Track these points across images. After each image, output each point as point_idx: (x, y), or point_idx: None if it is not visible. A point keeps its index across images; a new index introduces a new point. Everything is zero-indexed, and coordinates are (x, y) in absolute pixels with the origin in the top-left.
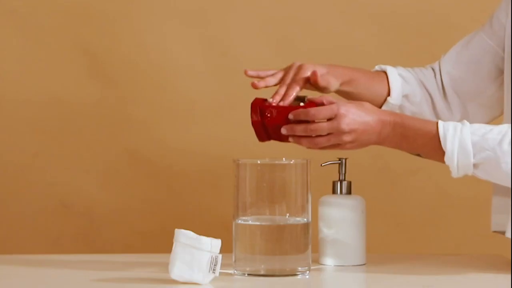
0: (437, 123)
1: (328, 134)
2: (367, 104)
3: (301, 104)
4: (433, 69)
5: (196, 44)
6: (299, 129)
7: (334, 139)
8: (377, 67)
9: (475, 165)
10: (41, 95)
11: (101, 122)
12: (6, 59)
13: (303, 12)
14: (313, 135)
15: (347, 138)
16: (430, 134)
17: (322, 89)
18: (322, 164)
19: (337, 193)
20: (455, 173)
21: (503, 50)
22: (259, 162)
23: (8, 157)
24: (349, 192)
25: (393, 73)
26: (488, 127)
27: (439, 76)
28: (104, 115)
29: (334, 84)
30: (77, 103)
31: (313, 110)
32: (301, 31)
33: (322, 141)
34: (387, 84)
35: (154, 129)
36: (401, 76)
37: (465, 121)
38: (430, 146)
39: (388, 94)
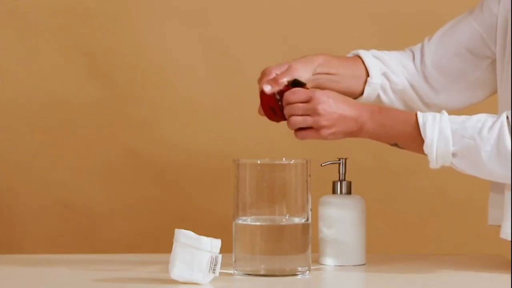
0: (416, 113)
1: (305, 115)
2: (347, 97)
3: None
4: (412, 52)
5: (196, 44)
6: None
7: (311, 120)
8: (349, 54)
9: (454, 154)
10: (41, 95)
11: (101, 122)
12: (6, 59)
13: (303, 12)
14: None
15: (324, 122)
16: (409, 122)
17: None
18: (322, 164)
19: (337, 193)
20: (433, 163)
21: (490, 37)
22: (259, 162)
23: (8, 157)
24: (349, 192)
25: (367, 55)
26: (466, 116)
27: (419, 57)
28: (104, 115)
29: (303, 75)
30: (77, 103)
31: (288, 93)
32: (301, 31)
33: (298, 120)
34: (363, 66)
35: (154, 129)
36: (376, 56)
37: (444, 111)
38: (408, 135)
39: (367, 76)
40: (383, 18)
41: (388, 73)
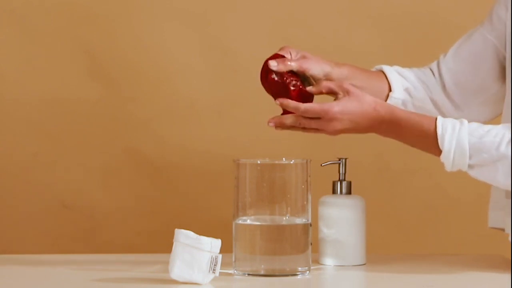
0: (435, 119)
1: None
2: (367, 100)
3: (307, 87)
4: (431, 70)
5: (196, 44)
6: (289, 120)
7: (321, 132)
8: (373, 68)
9: (470, 166)
10: (41, 95)
11: (101, 122)
12: (6, 59)
13: (303, 12)
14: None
15: (334, 134)
16: (427, 132)
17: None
18: (322, 164)
19: (337, 193)
20: (449, 169)
21: (504, 46)
22: (259, 162)
23: (8, 157)
24: (349, 192)
25: (390, 70)
26: (486, 127)
27: (438, 75)
28: (104, 115)
29: (315, 69)
30: (77, 103)
31: (303, 107)
32: (301, 31)
33: (308, 131)
34: (386, 81)
35: (154, 129)
36: (398, 72)
37: (464, 120)
38: (426, 143)
39: (389, 90)
40: (383, 19)
41: (411, 89)
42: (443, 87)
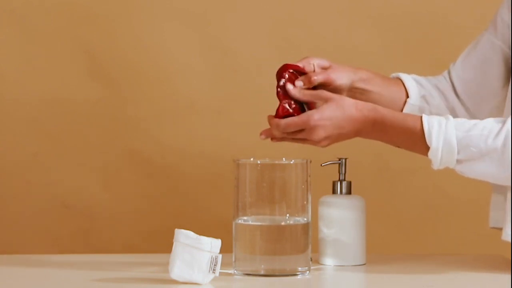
0: (421, 117)
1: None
2: (347, 103)
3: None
4: (444, 77)
5: (196, 44)
6: (277, 133)
7: (309, 143)
8: (390, 76)
9: (458, 161)
10: (41, 95)
11: (101, 122)
12: (6, 59)
13: (303, 12)
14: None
15: (322, 143)
16: (413, 130)
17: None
18: (322, 164)
19: (337, 193)
20: (436, 166)
21: (510, 48)
22: (259, 162)
23: (8, 157)
24: (349, 192)
25: (407, 78)
26: (472, 121)
27: (450, 83)
28: (104, 115)
29: (341, 79)
30: (77, 103)
31: (283, 122)
32: (301, 31)
33: (297, 141)
34: (403, 88)
35: (154, 129)
36: (415, 80)
37: (449, 116)
38: (412, 141)
39: (407, 97)
40: (383, 19)
41: (428, 96)
42: (456, 95)
